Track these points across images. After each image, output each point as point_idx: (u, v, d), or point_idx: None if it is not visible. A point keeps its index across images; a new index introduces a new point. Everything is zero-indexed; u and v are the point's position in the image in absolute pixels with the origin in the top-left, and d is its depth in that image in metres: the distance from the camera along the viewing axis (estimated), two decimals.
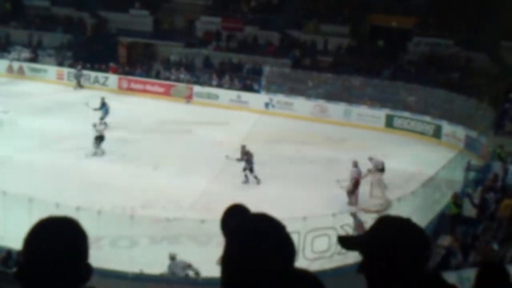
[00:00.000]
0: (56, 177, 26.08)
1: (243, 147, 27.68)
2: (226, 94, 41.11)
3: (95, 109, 34.41)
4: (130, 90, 43.29)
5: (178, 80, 43.16)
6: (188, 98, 41.64)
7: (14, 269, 15.90)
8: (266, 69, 42.07)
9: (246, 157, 27.36)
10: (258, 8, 47.56)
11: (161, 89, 42.76)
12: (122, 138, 31.91)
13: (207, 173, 27.54)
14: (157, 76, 44.13)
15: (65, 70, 45.38)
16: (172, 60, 45.62)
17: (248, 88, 41.51)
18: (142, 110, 38.33)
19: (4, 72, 46.47)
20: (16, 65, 46.67)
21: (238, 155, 27.31)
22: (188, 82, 42.72)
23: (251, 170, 27.23)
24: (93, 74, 44.49)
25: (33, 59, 47.28)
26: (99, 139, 29.78)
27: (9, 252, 17.61)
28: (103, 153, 29.73)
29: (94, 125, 30.23)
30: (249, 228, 2.56)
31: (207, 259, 18.90)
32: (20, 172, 26.45)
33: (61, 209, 20.85)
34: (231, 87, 41.81)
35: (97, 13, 50.24)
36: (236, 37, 45.99)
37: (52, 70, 45.71)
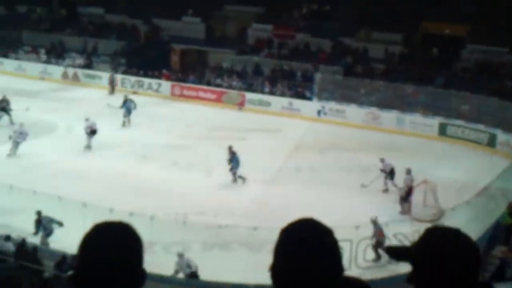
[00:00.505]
0: (110, 183, 26.34)
1: (230, 148, 28.03)
2: (278, 101, 41.11)
3: (119, 107, 35.79)
4: (182, 96, 43.56)
5: (230, 87, 43.31)
6: (240, 105, 41.73)
7: (69, 273, 16.11)
8: (318, 76, 41.97)
9: (231, 156, 27.82)
10: (309, 15, 47.57)
11: (213, 96, 42.93)
12: (174, 145, 32.12)
13: (260, 180, 27.56)
14: (209, 83, 44.33)
15: (119, 77, 45.85)
16: (224, 67, 45.81)
17: (300, 96, 41.45)
18: (195, 117, 38.51)
19: (60, 78, 47.16)
20: (71, 71, 47.34)
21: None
22: (240, 89, 42.83)
23: (230, 169, 27.65)
24: (146, 80, 44.89)
25: (88, 66, 47.90)
26: (92, 133, 30.95)
27: (63, 256, 17.81)
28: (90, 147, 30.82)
29: (87, 120, 31.42)
30: (296, 233, 2.56)
31: (259, 266, 18.93)
32: (75, 177, 26.77)
33: (114, 215, 21.05)
34: (283, 94, 41.81)
35: (151, 21, 50.73)
36: (288, 45, 46.01)
37: (106, 76, 46.20)
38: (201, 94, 43.41)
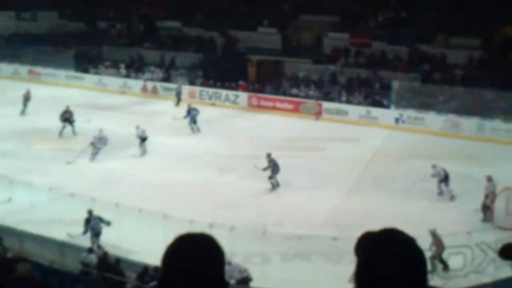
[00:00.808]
0: (189, 195, 26.59)
1: (269, 155, 28.16)
2: (355, 110, 40.85)
3: (183, 117, 36.62)
4: (260, 107, 43.71)
5: (307, 96, 43.26)
6: (318, 114, 41.63)
7: (151, 285, 16.31)
8: (396, 84, 41.56)
9: (271, 164, 27.79)
10: (386, 23, 47.16)
11: (291, 106, 42.94)
12: (252, 156, 32.08)
13: (339, 190, 27.42)
14: (286, 93, 44.37)
15: (197, 89, 46.32)
16: (300, 76, 45.80)
17: (378, 104, 41.11)
18: (272, 127, 38.60)
19: (139, 92, 47.94)
20: (150, 85, 48.07)
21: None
22: (317, 98, 42.74)
23: (269, 177, 27.73)
24: (223, 92, 45.21)
25: (166, 79, 48.54)
26: (143, 141, 32.18)
27: (145, 268, 18.04)
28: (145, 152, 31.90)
29: (137, 127, 32.73)
30: (379, 243, 2.57)
31: (339, 277, 18.82)
32: (155, 189, 27.13)
33: (195, 226, 21.25)
34: (360, 103, 41.55)
35: (227, 33, 51.12)
36: (364, 53, 45.72)
37: (184, 89, 46.76)
38: (278, 104, 43.48)
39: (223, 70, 47.28)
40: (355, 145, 34.53)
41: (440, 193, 27.12)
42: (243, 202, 25.79)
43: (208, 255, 2.63)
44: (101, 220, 21.62)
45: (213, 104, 44.61)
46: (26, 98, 40.97)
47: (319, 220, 24.10)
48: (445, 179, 26.99)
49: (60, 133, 35.41)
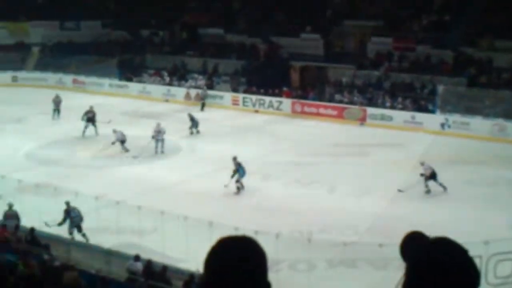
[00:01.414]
0: (234, 201, 26.62)
1: (235, 159, 28.19)
2: (400, 115, 40.52)
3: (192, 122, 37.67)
4: (303, 113, 43.60)
5: (351, 102, 43.06)
6: (362, 120, 41.39)
7: None
8: (441, 88, 41.13)
9: (237, 167, 27.89)
10: (430, 27, 46.70)
11: (334, 112, 42.76)
12: (297, 162, 32.13)
13: (384, 196, 27.20)
14: (330, 99, 44.21)
15: (240, 96, 46.39)
16: (344, 82, 45.60)
17: (422, 109, 40.71)
18: (316, 134, 38.48)
19: (182, 99, 48.14)
20: (193, 92, 48.24)
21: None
22: (361, 104, 42.51)
23: (236, 180, 27.80)
24: (267, 99, 45.19)
25: (209, 86, 48.69)
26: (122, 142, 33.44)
27: (191, 276, 18.04)
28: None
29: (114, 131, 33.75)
30: (431, 254, 2.51)
31: (385, 283, 18.65)
32: (199, 196, 27.19)
33: (240, 233, 21.14)
34: (404, 108, 41.20)
35: (269, 39, 51.14)
36: (408, 57, 45.34)
37: (227, 96, 46.88)
38: (321, 110, 43.34)
39: (266, 76, 47.27)
40: (400, 151, 34.23)
41: (428, 191, 27.42)
42: (287, 208, 25.68)
43: (250, 258, 2.62)
44: (79, 213, 23.04)
45: (256, 111, 44.63)
46: (56, 103, 42.46)
47: (364, 227, 23.93)
48: (432, 176, 27.39)
49: (83, 133, 36.97)
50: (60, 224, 22.80)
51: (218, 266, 2.59)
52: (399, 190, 27.09)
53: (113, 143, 33.16)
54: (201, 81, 49.23)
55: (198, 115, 40.50)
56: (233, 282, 2.54)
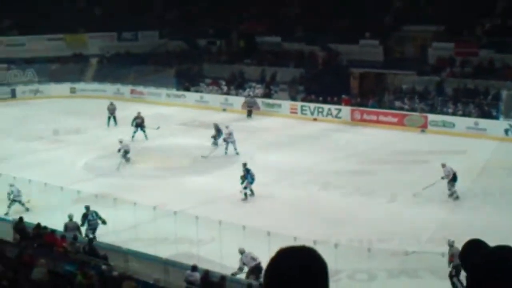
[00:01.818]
0: (292, 211, 26.35)
1: (244, 165, 28.85)
2: (462, 122, 39.70)
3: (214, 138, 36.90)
4: (363, 121, 43.10)
5: (411, 109, 42.39)
6: (423, 127, 40.69)
7: None
8: (504, 93, 40.21)
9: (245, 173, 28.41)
10: (493, 31, 45.76)
11: (395, 119, 42.15)
12: (356, 170, 31.73)
13: (445, 204, 26.65)
14: (390, 106, 43.62)
15: (299, 104, 46.10)
16: (404, 89, 44.96)
17: (486, 115, 39.82)
18: (376, 141, 37.99)
19: (240, 108, 48.08)
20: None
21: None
22: (422, 111, 41.81)
23: (244, 187, 28.15)
24: (325, 106, 44.81)
25: (267, 95, 48.54)
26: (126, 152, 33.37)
27: (249, 285, 17.88)
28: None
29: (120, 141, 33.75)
30: (492, 263, 2.42)
31: None
32: (257, 206, 27.06)
33: (298, 243, 20.71)
34: (467, 114, 40.34)
35: (328, 46, 50.78)
36: (471, 62, 44.44)
37: (286, 104, 46.64)
38: (381, 117, 42.78)
39: (325, 84, 46.89)
40: (463, 158, 33.50)
41: (451, 194, 27.26)
42: (347, 218, 25.38)
43: (311, 268, 2.57)
44: (97, 215, 23.97)
45: (315, 119, 44.31)
46: (111, 110, 43.94)
47: (426, 236, 23.48)
48: (453, 179, 27.32)
49: (132, 137, 37.83)
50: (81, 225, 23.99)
51: (278, 277, 2.53)
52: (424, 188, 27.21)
53: (118, 150, 33.45)
54: (259, 90, 49.09)
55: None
56: None
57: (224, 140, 34.98)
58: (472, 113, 40.15)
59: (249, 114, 46.44)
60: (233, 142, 34.77)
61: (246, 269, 20.22)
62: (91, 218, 23.97)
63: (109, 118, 43.51)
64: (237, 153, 34.50)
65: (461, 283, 19.11)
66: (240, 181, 28.08)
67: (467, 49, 44.85)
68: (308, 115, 45.09)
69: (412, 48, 48.50)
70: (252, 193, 28.09)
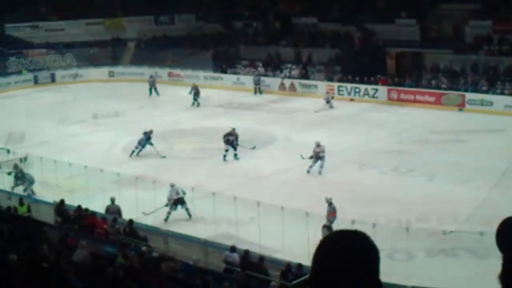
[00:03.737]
0: (330, 191, 26.31)
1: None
2: (500, 100, 39.30)
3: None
4: (400, 101, 42.88)
5: (449, 88, 42.06)
6: (461, 106, 40.40)
7: (293, 282, 16.20)
8: None
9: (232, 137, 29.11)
10: None
11: (432, 98, 41.86)
12: (394, 150, 31.67)
13: (484, 183, 26.45)
14: (427, 85, 43.31)
15: (335, 85, 45.97)
16: (441, 68, 44.60)
17: None
18: (413, 121, 37.81)
19: (277, 90, 48.10)
20: (287, 82, 48.13)
21: None
22: (460, 89, 41.47)
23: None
24: (362, 87, 44.64)
25: (303, 76, 48.49)
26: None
27: (288, 265, 17.95)
28: None
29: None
30: None
31: (487, 273, 18.13)
32: (295, 186, 27.12)
33: (336, 223, 21.11)
34: (505, 92, 39.92)
35: (364, 26, 50.49)
36: (509, 40, 43.92)
37: (322, 85, 46.53)
38: (418, 97, 42.51)
39: (361, 64, 46.69)
40: (501, 136, 33.28)
41: (308, 171, 28.58)
42: (385, 197, 25.32)
43: (359, 253, 2.52)
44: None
45: (352, 100, 44.20)
46: (150, 83, 46.88)
47: (464, 215, 23.39)
48: (320, 158, 28.48)
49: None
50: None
51: (326, 259, 2.52)
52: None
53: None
54: (295, 71, 49.06)
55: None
56: (341, 277, 2.47)
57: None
58: (510, 91, 39.64)
59: (256, 91, 47.59)
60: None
61: (170, 201, 24.22)
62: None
63: (150, 89, 46.68)
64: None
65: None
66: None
67: (505, 27, 44.32)
68: (345, 96, 44.95)
69: (448, 26, 48.01)
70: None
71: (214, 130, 35.75)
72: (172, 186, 24.66)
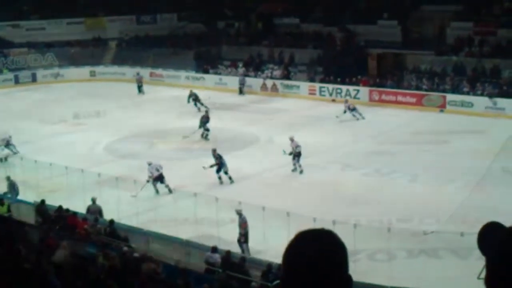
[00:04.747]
0: (312, 191, 26.42)
1: (214, 151, 28.04)
2: (481, 101, 39.50)
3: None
4: (381, 102, 43.01)
5: (430, 89, 42.22)
6: (442, 107, 40.58)
7: (275, 283, 16.18)
8: None
9: (218, 160, 27.60)
10: (511, 10, 45.45)
11: (413, 100, 42.02)
12: (376, 151, 31.75)
13: (465, 184, 26.55)
14: (408, 87, 43.47)
15: (317, 86, 46.06)
16: (423, 69, 44.77)
17: (505, 94, 39.58)
18: (395, 122, 37.93)
19: (259, 90, 48.12)
20: (269, 83, 48.17)
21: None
22: (441, 90, 41.65)
23: (225, 172, 27.81)
24: (344, 87, 44.73)
25: (285, 76, 48.53)
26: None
27: (269, 266, 17.96)
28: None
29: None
30: (507, 246, 2.41)
31: (468, 273, 18.18)
32: (277, 187, 27.12)
33: (317, 223, 21.02)
34: (486, 93, 40.11)
35: (346, 27, 50.61)
36: (489, 42, 44.18)
37: (304, 86, 46.62)
38: (400, 98, 42.66)
39: (343, 65, 46.80)
40: (482, 138, 33.45)
41: (294, 169, 28.72)
42: (366, 198, 25.37)
43: (328, 250, 2.53)
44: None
45: (333, 100, 44.27)
46: (138, 79, 47.84)
47: (445, 215, 23.44)
48: (298, 154, 28.55)
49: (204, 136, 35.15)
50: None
51: (297, 260, 2.52)
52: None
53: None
54: (277, 71, 49.10)
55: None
56: (312, 276, 2.47)
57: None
58: (491, 93, 39.85)
59: (241, 91, 47.71)
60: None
61: (151, 178, 26.01)
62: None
63: (138, 87, 47.87)
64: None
65: (248, 250, 20.71)
66: (211, 166, 27.81)
67: (486, 28, 44.59)
68: (326, 96, 45.05)
69: (430, 28, 48.20)
70: (231, 179, 28.03)
71: (196, 130, 35.70)
72: (150, 164, 26.45)
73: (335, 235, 2.59)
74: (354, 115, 38.20)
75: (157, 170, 26.34)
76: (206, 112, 36.85)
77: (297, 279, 2.48)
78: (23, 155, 29.14)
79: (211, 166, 27.73)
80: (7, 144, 31.76)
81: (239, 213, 21.36)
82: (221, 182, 27.77)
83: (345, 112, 37.87)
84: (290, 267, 2.52)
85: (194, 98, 42.02)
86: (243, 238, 21.15)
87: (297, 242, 2.57)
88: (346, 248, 2.57)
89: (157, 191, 26.45)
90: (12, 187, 26.53)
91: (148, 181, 26.06)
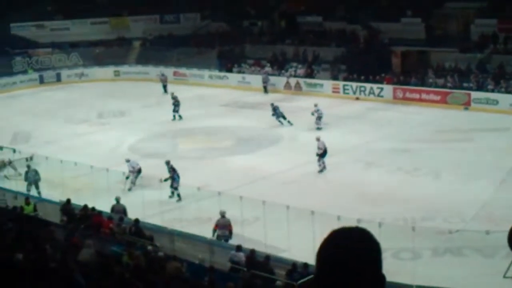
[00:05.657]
0: (336, 190, 26.37)
1: (168, 163, 26.94)
2: (506, 99, 39.13)
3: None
4: (405, 99, 42.79)
5: (454, 87, 41.94)
6: (466, 104, 40.30)
7: (299, 282, 16.18)
8: None
9: (173, 173, 26.54)
10: None
11: (437, 97, 41.77)
12: (399, 149, 31.59)
13: (490, 182, 26.38)
14: (433, 84, 43.21)
15: (341, 84, 45.92)
16: (447, 66, 44.49)
17: None
18: (419, 120, 37.74)
19: (282, 89, 48.06)
20: (293, 81, 48.07)
21: None
22: (466, 88, 41.36)
23: (175, 187, 26.47)
24: (368, 86, 44.57)
25: (309, 75, 48.43)
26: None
27: (294, 265, 17.94)
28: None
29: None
30: None
31: (493, 271, 18.10)
32: (301, 185, 27.08)
33: (342, 222, 21.00)
34: (510, 91, 39.77)
35: (369, 25, 50.42)
36: None
37: (328, 84, 46.50)
38: (424, 96, 42.42)
39: (367, 63, 46.60)
40: (507, 135, 33.20)
41: (321, 170, 28.60)
42: (391, 196, 25.29)
43: (363, 249, 2.56)
44: (36, 173, 27.59)
45: (357, 98, 44.13)
46: (162, 80, 48.62)
47: (470, 214, 23.34)
48: (324, 153, 28.46)
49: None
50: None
51: (331, 258, 2.54)
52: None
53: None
54: (301, 70, 49.01)
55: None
56: (346, 274, 2.49)
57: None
58: None
59: (265, 90, 47.58)
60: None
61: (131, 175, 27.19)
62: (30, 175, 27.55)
63: (164, 87, 48.11)
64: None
65: None
66: (165, 179, 26.44)
67: (510, 25, 44.20)
68: (350, 94, 44.90)
69: (454, 25, 47.91)
70: (179, 197, 26.56)
71: (219, 129, 35.79)
72: (128, 161, 27.98)
73: (370, 233, 2.62)
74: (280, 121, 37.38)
75: (137, 164, 27.99)
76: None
77: (331, 277, 2.50)
78: (48, 154, 29.24)
79: (165, 180, 26.38)
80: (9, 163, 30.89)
81: (222, 215, 21.77)
82: (171, 197, 26.47)
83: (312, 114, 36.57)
84: (324, 264, 2.55)
85: (175, 102, 39.96)
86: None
87: (332, 239, 2.59)
88: (380, 247, 2.59)
89: (130, 189, 27.43)
90: (26, 175, 27.63)
91: (127, 177, 27.47)
